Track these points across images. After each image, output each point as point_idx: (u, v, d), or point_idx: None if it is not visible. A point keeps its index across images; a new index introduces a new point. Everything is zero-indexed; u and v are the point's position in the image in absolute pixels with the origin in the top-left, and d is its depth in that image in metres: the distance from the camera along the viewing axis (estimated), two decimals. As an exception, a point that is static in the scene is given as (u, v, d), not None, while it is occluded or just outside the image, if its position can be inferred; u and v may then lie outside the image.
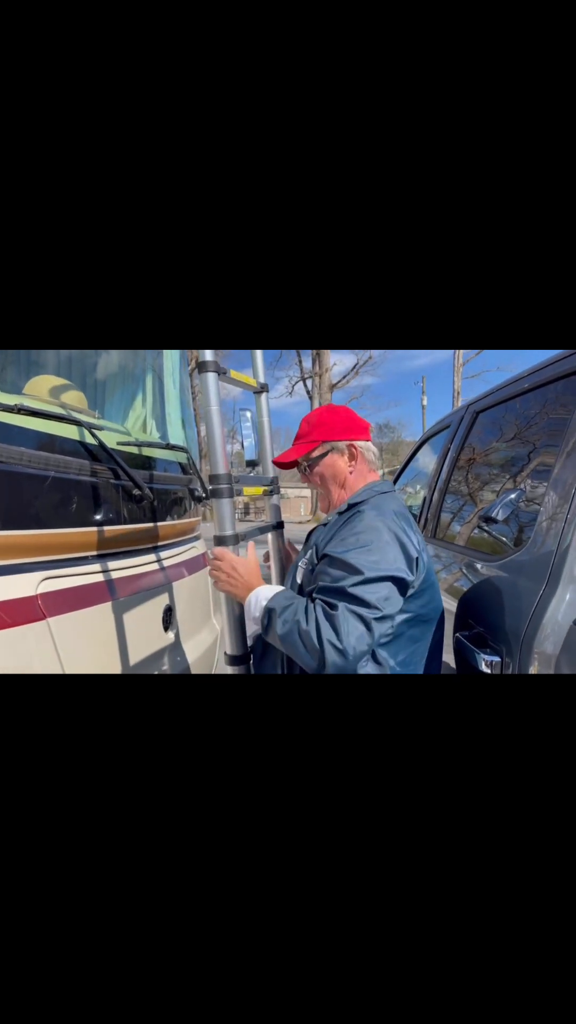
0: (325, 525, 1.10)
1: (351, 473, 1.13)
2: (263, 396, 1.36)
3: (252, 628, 1.04)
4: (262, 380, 1.35)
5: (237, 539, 1.05)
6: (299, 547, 1.34)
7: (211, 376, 1.01)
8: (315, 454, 1.13)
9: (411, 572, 0.94)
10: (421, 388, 21.21)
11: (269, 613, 0.94)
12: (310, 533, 1.16)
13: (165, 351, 1.89)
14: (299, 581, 1.06)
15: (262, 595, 0.98)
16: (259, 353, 1.36)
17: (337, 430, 1.13)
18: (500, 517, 1.24)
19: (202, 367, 1.00)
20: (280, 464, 1.22)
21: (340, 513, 1.07)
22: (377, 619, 0.88)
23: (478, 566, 1.34)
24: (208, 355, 1.00)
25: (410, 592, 0.96)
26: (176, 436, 1.87)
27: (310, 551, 1.07)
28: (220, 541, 1.04)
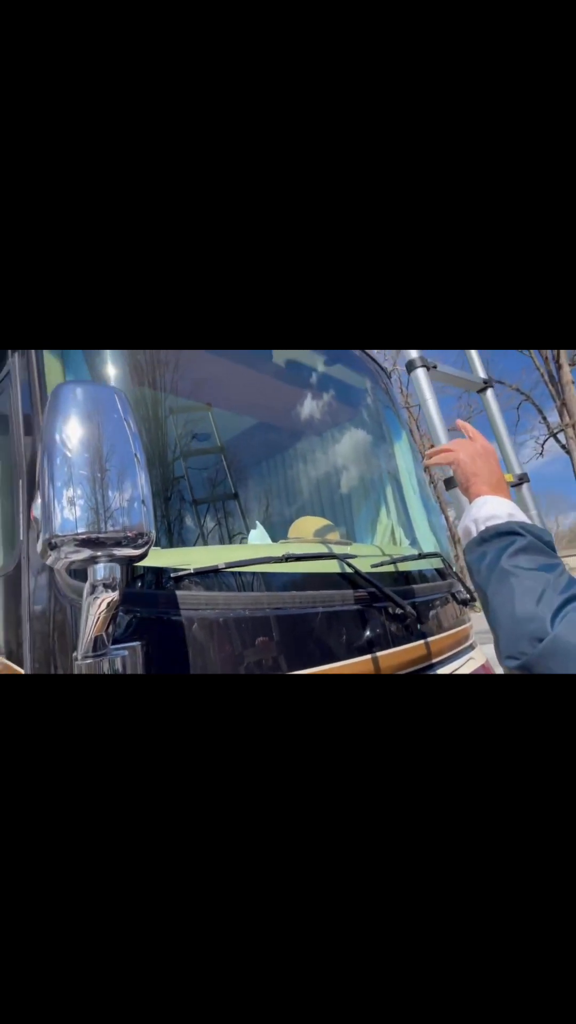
0: None
1: None
2: (488, 392, 1.19)
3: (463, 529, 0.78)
4: (483, 375, 1.19)
5: None
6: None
7: (420, 371, 0.96)
8: None
9: None
10: None
11: (512, 538, 0.69)
12: None
13: (397, 452, 1.91)
14: None
15: (503, 509, 0.74)
16: (474, 352, 1.20)
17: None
18: None
19: (410, 366, 0.96)
20: None
21: None
22: None
23: None
24: (413, 353, 0.95)
25: None
26: (425, 539, 1.81)
27: None
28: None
